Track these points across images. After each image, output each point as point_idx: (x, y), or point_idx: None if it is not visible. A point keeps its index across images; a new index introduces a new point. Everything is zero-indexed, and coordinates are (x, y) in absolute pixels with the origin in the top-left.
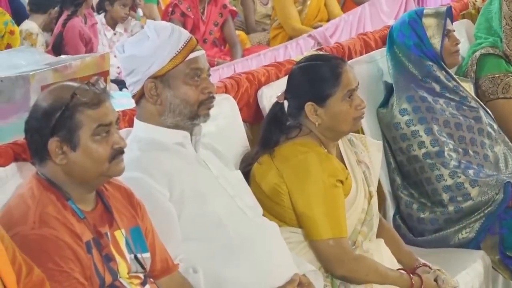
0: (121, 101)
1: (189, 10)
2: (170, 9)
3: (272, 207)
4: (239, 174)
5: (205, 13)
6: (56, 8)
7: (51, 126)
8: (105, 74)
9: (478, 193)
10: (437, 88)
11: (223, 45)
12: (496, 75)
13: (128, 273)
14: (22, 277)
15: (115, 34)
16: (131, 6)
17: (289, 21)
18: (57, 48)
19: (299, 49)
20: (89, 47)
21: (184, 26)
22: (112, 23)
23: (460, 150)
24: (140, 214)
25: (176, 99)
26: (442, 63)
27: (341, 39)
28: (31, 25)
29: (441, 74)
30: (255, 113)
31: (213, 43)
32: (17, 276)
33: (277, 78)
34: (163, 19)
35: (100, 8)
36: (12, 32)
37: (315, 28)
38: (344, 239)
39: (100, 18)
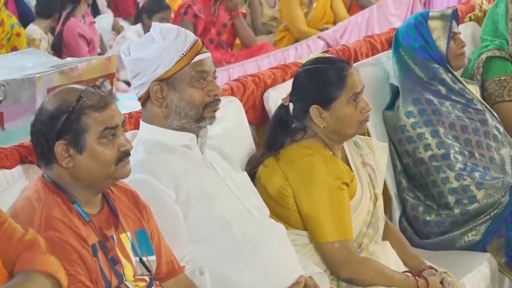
0: (127, 103)
1: (201, 12)
2: (183, 9)
3: (278, 209)
4: (245, 176)
5: (215, 15)
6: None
7: (57, 129)
8: (111, 76)
9: (484, 195)
10: (443, 90)
11: (230, 47)
12: (502, 78)
13: (133, 276)
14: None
15: None
16: None
17: (295, 23)
18: (56, 47)
19: (309, 51)
20: (91, 46)
21: (195, 27)
22: None
23: (466, 152)
24: (146, 216)
25: (181, 102)
26: (448, 66)
27: (350, 41)
28: (34, 30)
29: (447, 77)
30: (261, 115)
31: (219, 44)
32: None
33: (283, 80)
34: (175, 18)
35: (137, 20)
36: (18, 35)
37: (321, 30)
38: (350, 242)
39: (137, 29)
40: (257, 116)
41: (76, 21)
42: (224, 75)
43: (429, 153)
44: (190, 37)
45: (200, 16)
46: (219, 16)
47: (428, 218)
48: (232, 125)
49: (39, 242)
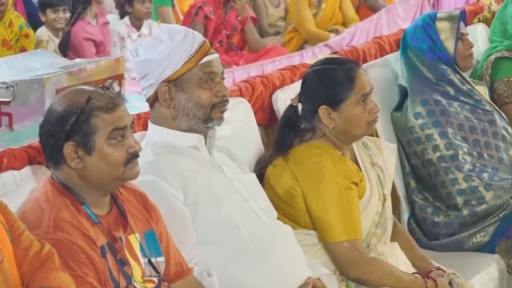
0: (135, 104)
1: (212, 13)
2: (194, 10)
3: (287, 209)
4: (253, 177)
5: (226, 17)
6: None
7: (67, 130)
8: (119, 77)
9: (493, 196)
10: (451, 91)
11: (239, 50)
12: (511, 79)
13: (142, 277)
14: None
15: (139, 36)
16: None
17: (304, 24)
18: (63, 48)
19: (314, 58)
20: (101, 48)
21: (206, 29)
22: (138, 24)
23: (475, 153)
24: (154, 218)
25: (189, 103)
26: (456, 67)
27: None
28: (42, 32)
29: (455, 78)
30: (270, 116)
31: (228, 47)
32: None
33: (292, 81)
34: (185, 19)
35: (123, 13)
36: (27, 36)
37: (330, 31)
38: (359, 241)
39: (125, 21)
40: (266, 117)
41: (82, 24)
42: (229, 78)
43: (437, 154)
44: (198, 38)
45: (211, 17)
46: (230, 19)
47: (436, 219)
48: (240, 126)
49: (54, 258)
